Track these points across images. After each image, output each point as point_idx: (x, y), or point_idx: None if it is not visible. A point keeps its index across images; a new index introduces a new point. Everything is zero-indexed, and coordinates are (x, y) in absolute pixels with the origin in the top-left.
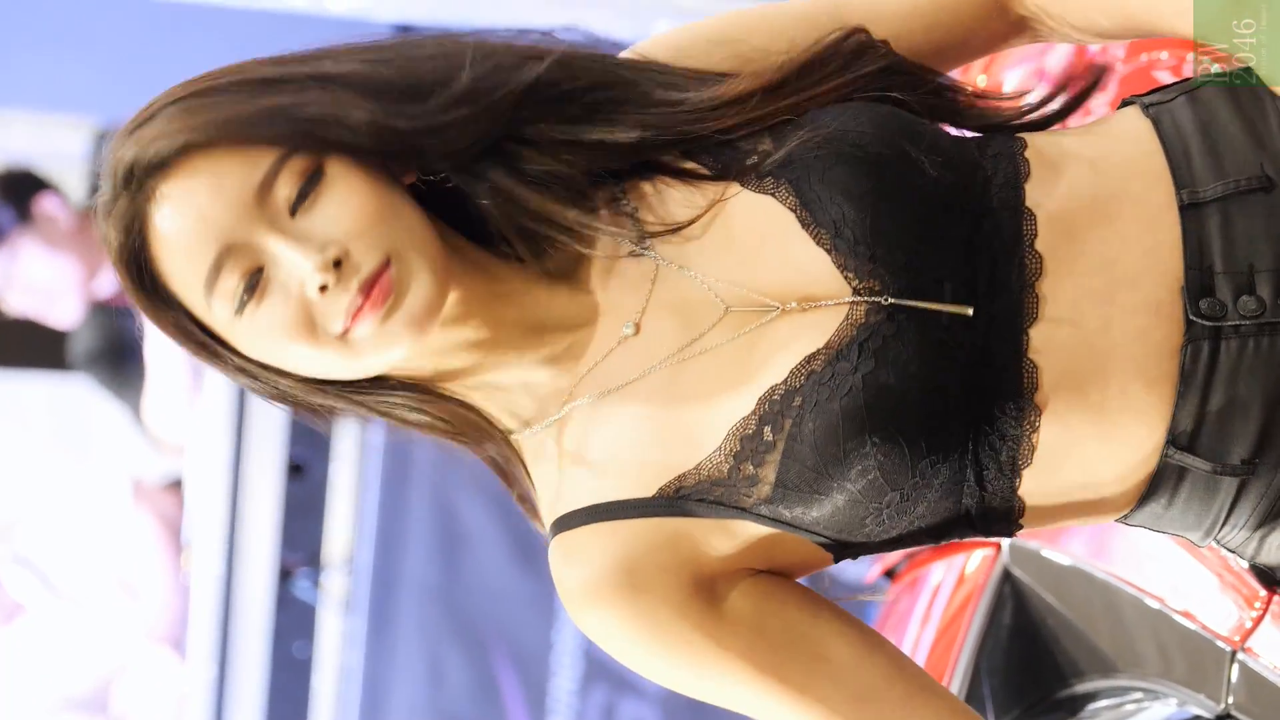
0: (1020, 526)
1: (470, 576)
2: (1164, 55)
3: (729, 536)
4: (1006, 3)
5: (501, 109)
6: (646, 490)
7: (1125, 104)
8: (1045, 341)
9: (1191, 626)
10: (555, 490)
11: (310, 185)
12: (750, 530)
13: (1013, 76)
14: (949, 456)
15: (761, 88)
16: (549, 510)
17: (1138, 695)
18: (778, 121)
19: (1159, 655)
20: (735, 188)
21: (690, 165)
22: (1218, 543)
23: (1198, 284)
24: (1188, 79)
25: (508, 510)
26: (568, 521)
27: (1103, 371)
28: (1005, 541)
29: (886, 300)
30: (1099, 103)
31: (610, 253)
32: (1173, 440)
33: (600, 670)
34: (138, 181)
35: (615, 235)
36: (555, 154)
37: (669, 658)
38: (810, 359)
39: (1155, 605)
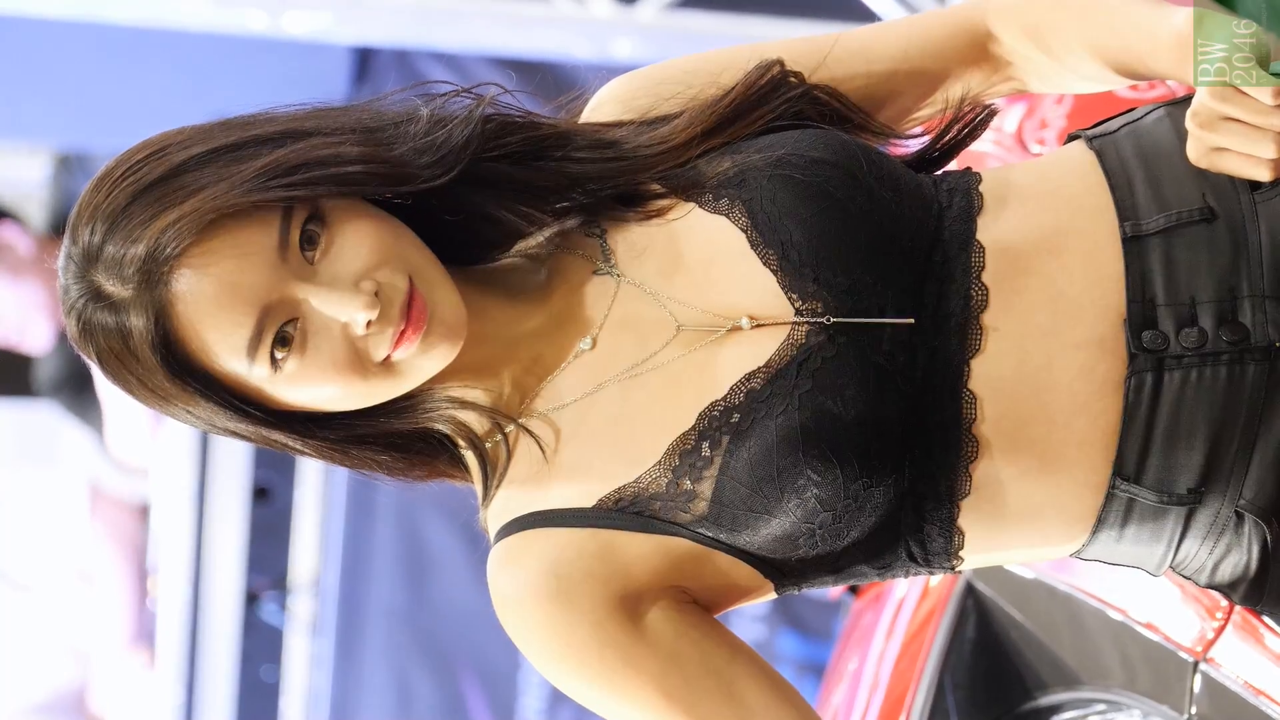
0: (960, 559)
1: (437, 597)
2: None
3: (663, 552)
4: (989, 49)
5: (473, 127)
6: (587, 501)
7: (1071, 138)
8: (987, 373)
9: (1154, 638)
10: (504, 502)
11: (318, 229)
12: (684, 548)
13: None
14: (882, 480)
15: (699, 133)
16: (496, 520)
17: (1101, 707)
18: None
19: (1122, 667)
20: (691, 207)
21: (650, 187)
22: (1173, 570)
23: (1140, 316)
24: (1133, 105)
25: (473, 530)
26: (509, 528)
27: (1046, 406)
28: None
29: (828, 321)
30: (1054, 131)
31: (575, 272)
32: (1118, 472)
33: None
34: (158, 272)
35: (577, 256)
36: (524, 179)
37: (580, 671)
38: (750, 377)
39: (1118, 617)
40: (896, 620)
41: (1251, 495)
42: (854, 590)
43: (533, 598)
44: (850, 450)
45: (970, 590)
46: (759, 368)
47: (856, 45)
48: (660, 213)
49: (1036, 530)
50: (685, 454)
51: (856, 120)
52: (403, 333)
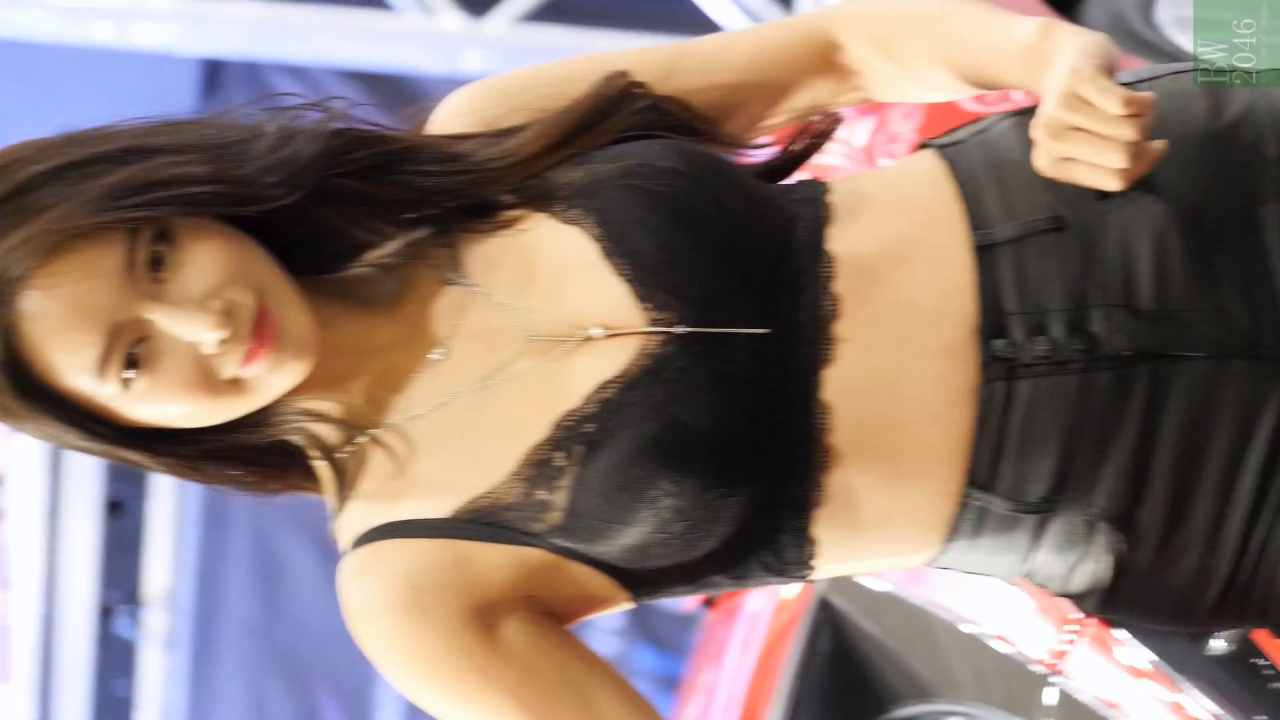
0: (814, 568)
1: (292, 611)
2: None
3: (517, 562)
4: (835, 58)
5: (319, 144)
6: (441, 512)
7: (922, 146)
8: (839, 384)
9: (1007, 650)
10: (357, 513)
11: (166, 248)
12: (539, 558)
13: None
14: (736, 490)
15: (548, 145)
16: (349, 531)
17: (955, 719)
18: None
19: (975, 679)
20: (543, 217)
21: (501, 198)
22: (1028, 579)
23: (991, 325)
24: (981, 117)
25: (327, 544)
26: (362, 540)
27: (898, 414)
28: None
29: (682, 331)
30: (903, 145)
31: (427, 282)
32: (971, 481)
33: None
34: (3, 293)
35: (429, 265)
36: (372, 194)
37: (434, 683)
38: (604, 386)
39: (970, 629)
40: (751, 634)
41: (1104, 504)
42: (709, 603)
43: (385, 608)
44: (704, 460)
45: (825, 604)
46: (613, 377)
47: (704, 55)
48: (512, 223)
49: (891, 539)
50: (539, 464)
51: (704, 130)
52: (252, 351)
